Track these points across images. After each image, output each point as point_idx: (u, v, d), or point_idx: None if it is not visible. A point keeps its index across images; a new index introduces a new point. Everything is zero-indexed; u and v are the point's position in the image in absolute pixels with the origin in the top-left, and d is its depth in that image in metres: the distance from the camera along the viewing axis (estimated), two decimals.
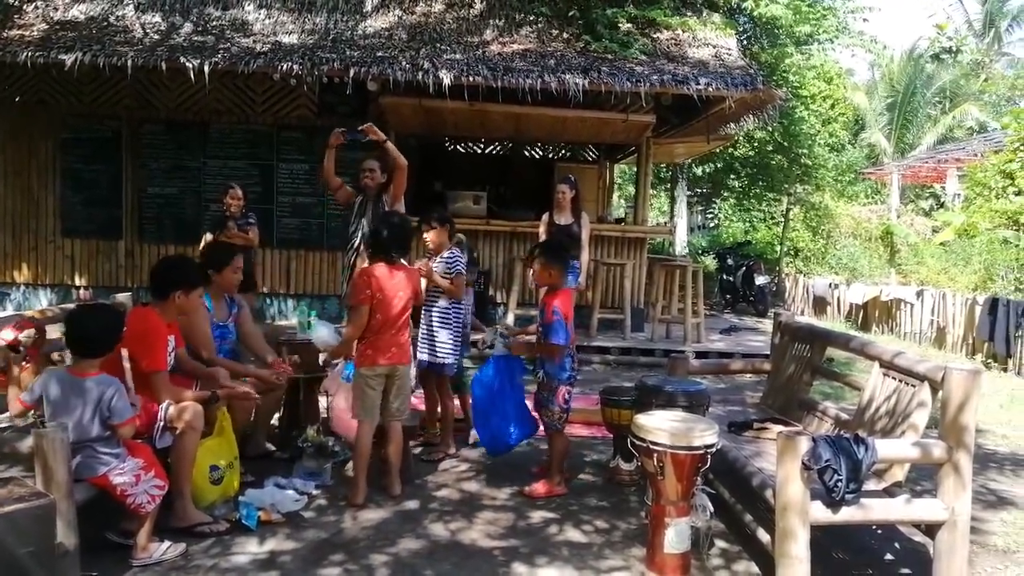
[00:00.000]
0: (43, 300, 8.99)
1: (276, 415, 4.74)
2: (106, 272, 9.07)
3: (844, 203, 18.12)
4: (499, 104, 8.05)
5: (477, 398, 4.25)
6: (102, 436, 3.02)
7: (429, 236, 4.61)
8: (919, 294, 10.72)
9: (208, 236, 6.70)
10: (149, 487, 3.08)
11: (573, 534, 3.58)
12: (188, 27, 8.36)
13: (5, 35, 7.97)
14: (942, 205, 18.82)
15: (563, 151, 13.27)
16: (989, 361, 8.73)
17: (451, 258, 4.55)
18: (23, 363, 3.30)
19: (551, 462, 4.08)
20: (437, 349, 4.56)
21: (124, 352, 3.22)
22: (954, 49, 23.92)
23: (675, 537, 3.06)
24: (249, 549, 3.29)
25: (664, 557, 3.08)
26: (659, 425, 3.11)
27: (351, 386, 3.98)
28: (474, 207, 9.12)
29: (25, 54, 7.54)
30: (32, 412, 3.08)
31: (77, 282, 9.04)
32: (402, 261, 4.04)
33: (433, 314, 4.59)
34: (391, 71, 7.66)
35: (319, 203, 9.09)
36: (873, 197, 21.23)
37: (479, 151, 13.36)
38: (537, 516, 3.76)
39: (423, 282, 4.39)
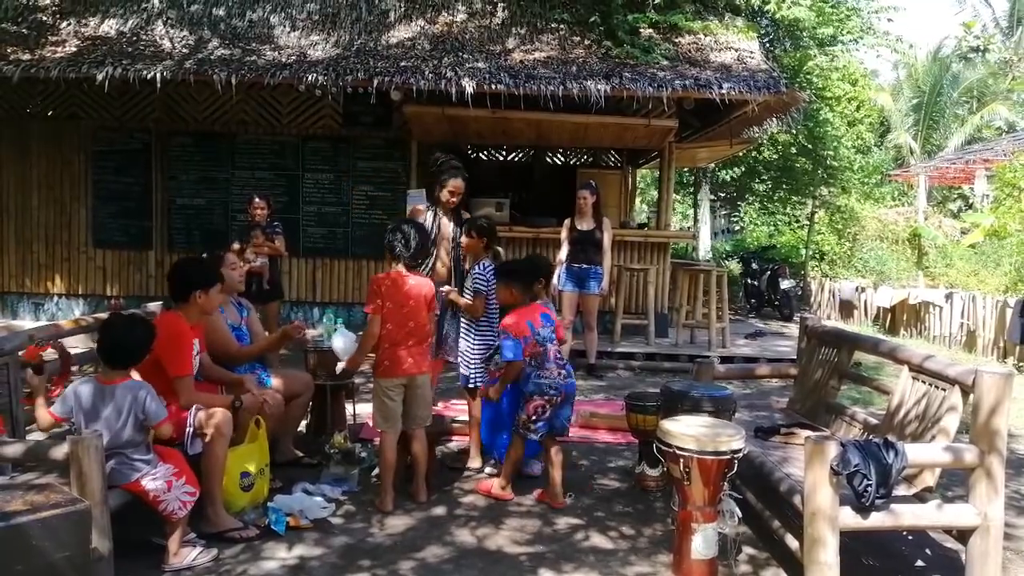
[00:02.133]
0: (76, 310, 9.16)
1: (303, 421, 4.79)
2: (137, 282, 9.23)
3: (870, 205, 17.91)
4: (521, 111, 8.09)
5: (486, 411, 4.36)
6: (134, 442, 3.08)
7: (467, 244, 4.62)
8: (948, 297, 10.57)
9: (235, 246, 6.79)
10: (181, 493, 3.13)
11: (599, 540, 3.58)
12: (215, 41, 8.51)
13: (39, 52, 8.15)
14: (971, 206, 18.54)
15: (585, 157, 13.27)
16: (1021, 364, 8.57)
17: (475, 275, 4.51)
18: (49, 387, 3.35)
19: (504, 465, 4.10)
20: (464, 359, 4.59)
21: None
22: (982, 48, 23.57)
23: (702, 543, 3.05)
24: (278, 555, 3.33)
25: (691, 563, 3.07)
26: (685, 430, 3.10)
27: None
28: (497, 214, 9.14)
29: (57, 70, 7.72)
30: (63, 424, 3.13)
31: (109, 292, 9.20)
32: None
33: (460, 324, 4.62)
34: (414, 80, 7.73)
35: (344, 212, 9.18)
36: (900, 199, 20.97)
37: (501, 158, 13.41)
38: (563, 522, 3.76)
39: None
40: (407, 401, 3.94)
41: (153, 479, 3.08)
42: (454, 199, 5.05)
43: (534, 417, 3.92)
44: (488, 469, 4.45)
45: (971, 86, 22.20)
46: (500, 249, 4.80)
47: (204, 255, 6.51)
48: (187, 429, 3.39)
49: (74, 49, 8.24)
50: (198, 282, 3.69)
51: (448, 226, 5.07)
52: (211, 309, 3.84)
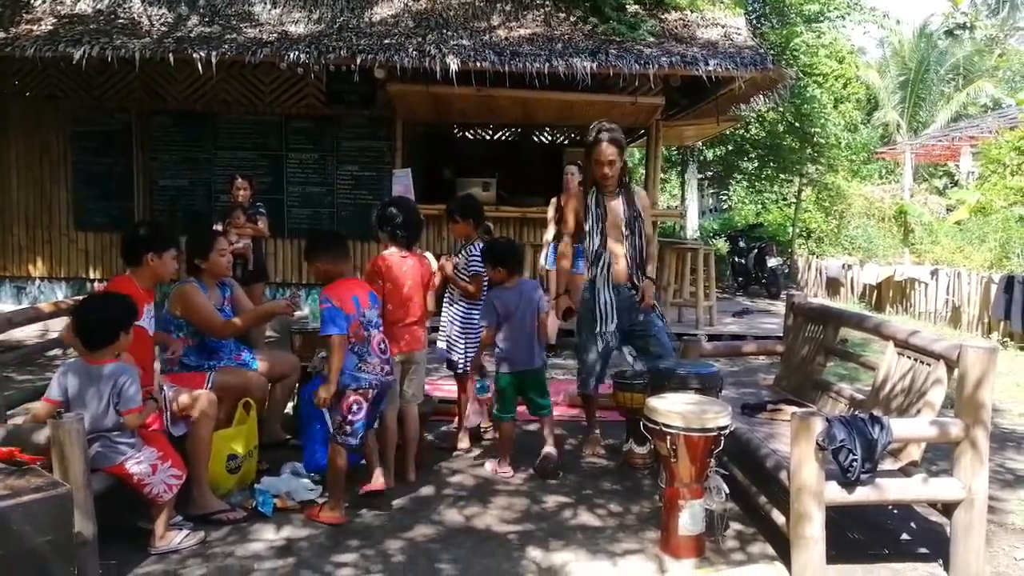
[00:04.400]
0: (59, 293, 9.06)
1: (290, 403, 4.77)
2: (120, 264, 9.04)
3: (857, 183, 17.97)
4: (507, 89, 7.99)
5: (304, 412, 3.99)
6: (118, 425, 3.04)
7: (455, 229, 4.57)
8: (934, 273, 10.63)
9: (218, 227, 6.72)
10: (166, 476, 3.10)
11: (587, 518, 3.59)
12: (195, 18, 8.36)
13: (13, 30, 7.99)
14: (956, 183, 18.63)
15: (572, 135, 13.20)
16: (1005, 340, 8.65)
17: (471, 257, 4.45)
18: None
19: (331, 488, 3.51)
20: (451, 344, 4.57)
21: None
22: (968, 25, 23.57)
23: (689, 519, 3.06)
24: (266, 536, 3.32)
25: (679, 539, 3.08)
26: (672, 408, 3.10)
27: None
28: (483, 193, 9.09)
29: (33, 48, 7.56)
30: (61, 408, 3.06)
31: (91, 275, 9.10)
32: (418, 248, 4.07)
33: (452, 310, 4.58)
34: (398, 58, 7.63)
35: (329, 192, 9.10)
36: (887, 177, 21.03)
37: (487, 137, 13.31)
38: (551, 500, 3.77)
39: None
40: (401, 378, 3.94)
41: (137, 463, 3.05)
42: (605, 169, 4.07)
43: (350, 417, 3.41)
44: (476, 450, 4.45)
45: (957, 63, 22.24)
46: (490, 224, 4.76)
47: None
48: (165, 412, 3.36)
49: (50, 27, 8.08)
50: (150, 244, 3.61)
51: (619, 207, 4.19)
52: (165, 275, 3.74)
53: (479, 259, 4.41)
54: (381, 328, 3.62)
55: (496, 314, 4.08)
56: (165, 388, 3.45)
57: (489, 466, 4.16)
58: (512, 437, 4.24)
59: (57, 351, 5.78)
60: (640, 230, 4.26)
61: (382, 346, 3.57)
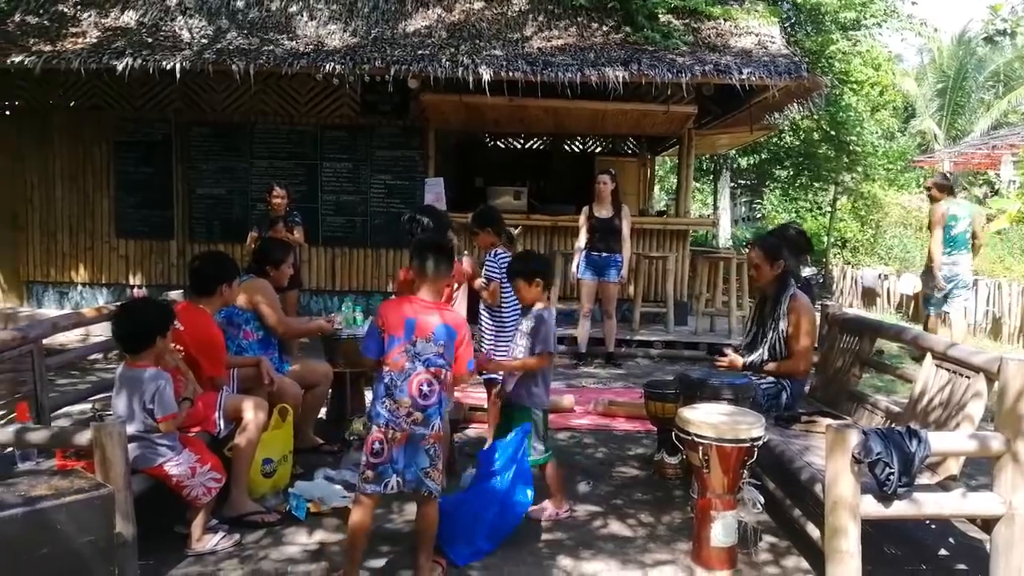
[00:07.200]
0: (100, 299, 9.27)
1: (323, 408, 4.83)
2: (159, 271, 9.31)
3: (894, 192, 17.67)
4: (539, 99, 8.03)
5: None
6: (154, 427, 3.11)
7: (480, 242, 4.64)
8: (973, 284, 10.40)
9: (254, 234, 6.84)
10: (205, 479, 3.17)
11: (618, 528, 3.58)
12: (234, 31, 8.53)
13: (60, 43, 8.22)
14: (996, 192, 18.22)
15: (604, 144, 13.19)
16: None
17: (488, 262, 4.53)
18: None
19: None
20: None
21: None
22: (1009, 31, 23.10)
23: (722, 531, 3.04)
24: (299, 540, 3.36)
25: (711, 551, 3.05)
26: (704, 418, 3.08)
27: None
28: (515, 202, 9.13)
29: (78, 61, 7.77)
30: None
31: (132, 281, 9.30)
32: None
33: (483, 315, 4.63)
34: (431, 68, 7.70)
35: (363, 201, 9.19)
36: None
37: (519, 146, 13.36)
38: (582, 510, 3.76)
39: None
40: None
41: (176, 465, 3.12)
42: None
43: (371, 458, 2.87)
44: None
45: (997, 70, 21.82)
46: (511, 230, 4.82)
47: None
48: (218, 411, 3.46)
49: (95, 40, 8.30)
50: (226, 276, 3.76)
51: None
52: (233, 301, 3.93)
53: (493, 264, 4.49)
54: (437, 370, 2.91)
55: (553, 340, 3.58)
56: (224, 389, 3.57)
57: (547, 512, 3.66)
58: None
59: (98, 355, 5.93)
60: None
61: (424, 389, 2.88)
